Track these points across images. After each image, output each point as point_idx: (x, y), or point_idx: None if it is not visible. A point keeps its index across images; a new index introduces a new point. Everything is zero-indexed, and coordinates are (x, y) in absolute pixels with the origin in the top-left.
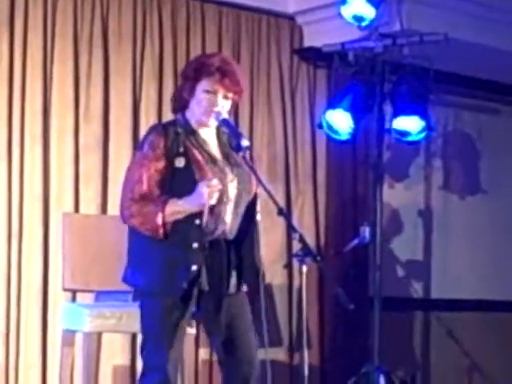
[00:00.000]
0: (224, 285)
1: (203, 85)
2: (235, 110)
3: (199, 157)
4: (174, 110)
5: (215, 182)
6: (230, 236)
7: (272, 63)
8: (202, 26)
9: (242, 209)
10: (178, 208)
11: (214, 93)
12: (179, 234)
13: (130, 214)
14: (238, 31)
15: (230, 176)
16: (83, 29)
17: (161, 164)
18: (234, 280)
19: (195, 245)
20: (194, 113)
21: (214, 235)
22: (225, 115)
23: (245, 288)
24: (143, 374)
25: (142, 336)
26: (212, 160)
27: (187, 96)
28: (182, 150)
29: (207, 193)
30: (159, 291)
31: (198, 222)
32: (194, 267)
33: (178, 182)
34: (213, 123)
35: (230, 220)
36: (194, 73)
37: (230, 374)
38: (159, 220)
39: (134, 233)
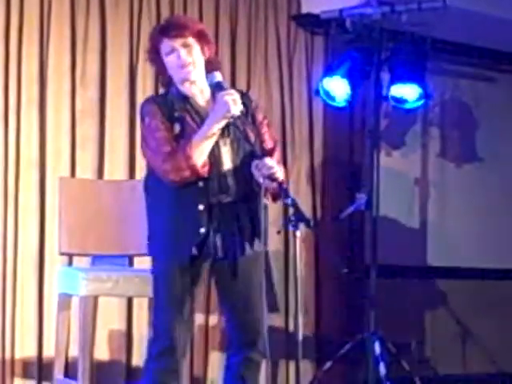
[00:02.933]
0: (237, 249)
1: (161, 51)
2: (232, 77)
3: (192, 123)
4: (164, 85)
5: (232, 91)
6: (236, 198)
7: (269, 30)
8: None
9: (242, 169)
10: (203, 132)
11: (172, 49)
12: (185, 199)
13: (166, 171)
14: None
15: (225, 138)
16: None
17: (167, 126)
18: (247, 243)
19: (201, 207)
20: (175, 79)
21: (219, 198)
22: (219, 77)
23: (261, 247)
24: (152, 339)
25: (154, 302)
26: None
27: (164, 72)
28: (177, 115)
29: (230, 99)
30: (168, 255)
31: (201, 184)
32: (203, 229)
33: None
34: (194, 76)
35: (231, 182)
36: (151, 47)
37: (236, 339)
38: (190, 153)
39: (147, 203)
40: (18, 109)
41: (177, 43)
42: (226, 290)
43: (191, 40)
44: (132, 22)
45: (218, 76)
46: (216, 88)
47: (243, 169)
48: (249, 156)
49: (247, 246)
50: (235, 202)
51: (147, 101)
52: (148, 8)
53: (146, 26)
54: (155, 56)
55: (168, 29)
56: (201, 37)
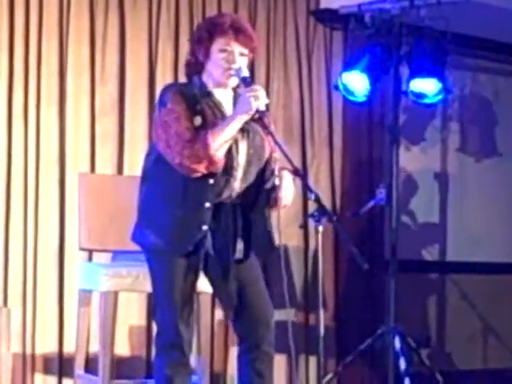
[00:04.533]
0: (230, 251)
1: (218, 44)
2: (251, 72)
3: (213, 118)
4: (189, 75)
5: (258, 87)
6: (237, 200)
7: (288, 25)
8: None
9: (252, 174)
10: (224, 126)
11: (230, 51)
12: (192, 193)
13: (184, 157)
14: None
15: (241, 140)
16: None
17: (189, 115)
18: (240, 246)
19: (207, 204)
20: (211, 74)
21: (221, 198)
22: (246, 73)
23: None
24: (157, 333)
25: (154, 296)
26: None
27: (202, 58)
28: (198, 107)
29: (253, 96)
30: (168, 249)
31: (211, 181)
32: (205, 227)
33: None
34: (232, 82)
35: (238, 185)
36: (207, 34)
37: (245, 336)
38: (210, 143)
39: (146, 191)
40: (38, 105)
41: (238, 48)
42: (220, 290)
43: (248, 52)
44: (151, 18)
45: (245, 71)
46: (242, 82)
47: (253, 175)
48: (262, 165)
49: (239, 249)
50: (238, 204)
51: (171, 87)
52: (167, 3)
53: (165, 22)
54: (207, 43)
55: (238, 31)
56: (254, 53)
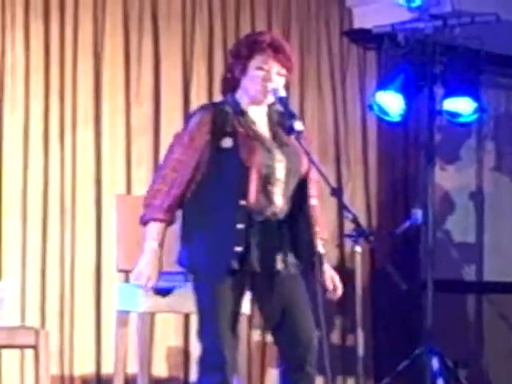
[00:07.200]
0: (276, 265)
1: (256, 62)
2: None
3: (247, 137)
4: (224, 91)
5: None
6: (281, 216)
7: (322, 45)
8: (251, 6)
9: (291, 189)
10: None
11: (268, 69)
12: (224, 215)
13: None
14: (288, 11)
15: (278, 156)
16: (133, 9)
17: (204, 140)
18: (287, 260)
19: (240, 226)
20: (247, 91)
21: (264, 215)
22: (282, 93)
23: (299, 268)
24: (201, 354)
25: (198, 316)
26: (260, 140)
27: (239, 75)
28: (229, 129)
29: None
30: (208, 270)
31: (243, 202)
32: (239, 248)
33: (224, 162)
34: (269, 100)
35: (279, 201)
36: (245, 50)
37: (286, 355)
38: (147, 220)
39: (185, 212)
40: (74, 126)
41: (275, 67)
42: (264, 307)
43: (285, 72)
44: (185, 37)
45: (281, 91)
46: (278, 101)
47: (291, 190)
48: (299, 178)
49: (285, 264)
50: (283, 220)
51: (203, 107)
52: (200, 23)
53: (199, 41)
54: (245, 59)
55: (276, 50)
56: (290, 73)
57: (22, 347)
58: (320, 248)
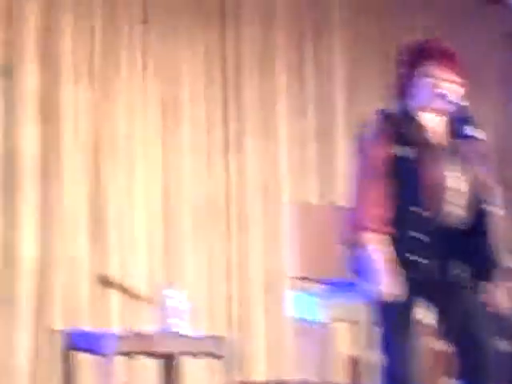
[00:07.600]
0: (453, 275)
1: (425, 69)
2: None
3: (417, 144)
4: (395, 99)
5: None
6: (458, 225)
7: (481, 47)
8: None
9: (463, 198)
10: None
11: (437, 76)
12: (400, 224)
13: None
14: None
15: (449, 165)
16: None
17: (386, 151)
18: (465, 269)
19: (426, 239)
20: (416, 98)
21: (440, 224)
22: (457, 99)
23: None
24: (385, 367)
25: (379, 326)
26: (430, 147)
27: (408, 82)
28: (402, 137)
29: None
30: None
31: (427, 214)
32: (412, 257)
33: (400, 170)
34: (441, 107)
35: (451, 209)
36: (414, 58)
37: (468, 372)
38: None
39: None
40: (239, 136)
41: (444, 74)
42: (442, 319)
43: (455, 79)
44: None
45: (452, 97)
46: (455, 109)
47: (462, 196)
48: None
49: (462, 273)
50: (461, 230)
51: (377, 116)
52: None
53: None
54: (413, 66)
55: (445, 57)
56: (461, 79)
57: (209, 356)
58: (507, 261)
